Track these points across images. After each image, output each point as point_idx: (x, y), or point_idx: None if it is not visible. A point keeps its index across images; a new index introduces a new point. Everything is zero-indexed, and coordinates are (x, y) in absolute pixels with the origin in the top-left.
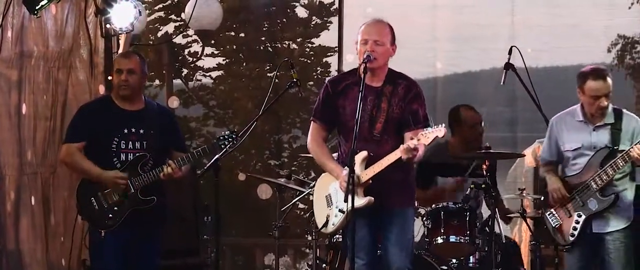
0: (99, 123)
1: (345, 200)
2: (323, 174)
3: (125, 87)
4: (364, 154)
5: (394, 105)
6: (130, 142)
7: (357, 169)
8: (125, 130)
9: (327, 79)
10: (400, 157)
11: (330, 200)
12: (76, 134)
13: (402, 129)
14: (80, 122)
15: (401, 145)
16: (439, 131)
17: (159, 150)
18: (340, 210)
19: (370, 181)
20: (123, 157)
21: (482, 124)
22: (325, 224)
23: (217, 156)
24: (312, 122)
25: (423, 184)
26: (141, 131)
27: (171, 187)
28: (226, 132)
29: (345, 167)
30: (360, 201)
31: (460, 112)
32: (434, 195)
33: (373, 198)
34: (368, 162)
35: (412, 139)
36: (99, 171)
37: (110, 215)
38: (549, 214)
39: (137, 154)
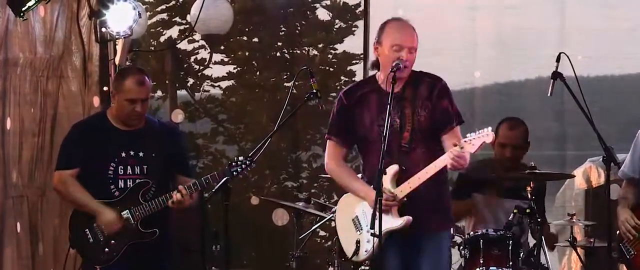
0: (94, 146)
1: (372, 227)
2: (344, 196)
3: (138, 119)
4: (394, 168)
5: (418, 108)
6: (129, 167)
7: (388, 185)
8: (123, 154)
9: (341, 91)
10: (444, 167)
11: (358, 223)
12: (69, 160)
13: (434, 133)
14: (72, 147)
15: (447, 153)
16: (485, 136)
17: (162, 176)
18: (374, 235)
19: (406, 198)
20: (121, 184)
21: (516, 148)
22: (356, 251)
23: (226, 178)
24: (328, 140)
25: (458, 197)
26: (141, 154)
27: (175, 212)
28: (240, 158)
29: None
30: (396, 222)
31: (499, 127)
32: (466, 207)
33: (411, 218)
34: (399, 177)
35: (455, 145)
36: (96, 206)
37: (107, 249)
38: (622, 245)
39: (137, 181)
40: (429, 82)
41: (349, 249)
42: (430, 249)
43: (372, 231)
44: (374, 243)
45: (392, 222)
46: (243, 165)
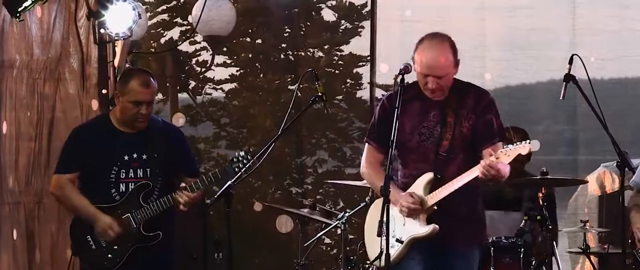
0: (95, 150)
1: (379, 235)
2: (377, 200)
3: (142, 122)
4: (428, 175)
5: (462, 118)
6: (131, 171)
7: (421, 192)
8: (126, 158)
9: (385, 94)
10: (477, 176)
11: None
12: (68, 164)
13: (474, 145)
14: (73, 151)
15: (481, 162)
16: (522, 148)
17: (166, 177)
18: (398, 240)
19: (435, 207)
20: (122, 187)
21: (523, 161)
22: (380, 255)
23: (229, 183)
24: (366, 143)
25: None
26: (144, 156)
27: (177, 218)
28: (240, 153)
29: (407, 190)
30: (422, 229)
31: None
32: None
33: (437, 226)
34: (433, 185)
35: (491, 155)
36: (93, 212)
37: (110, 256)
38: (636, 252)
39: (138, 183)
40: (476, 93)
41: (372, 253)
42: (460, 268)
43: (397, 237)
44: (399, 250)
45: (417, 228)
46: (245, 161)
